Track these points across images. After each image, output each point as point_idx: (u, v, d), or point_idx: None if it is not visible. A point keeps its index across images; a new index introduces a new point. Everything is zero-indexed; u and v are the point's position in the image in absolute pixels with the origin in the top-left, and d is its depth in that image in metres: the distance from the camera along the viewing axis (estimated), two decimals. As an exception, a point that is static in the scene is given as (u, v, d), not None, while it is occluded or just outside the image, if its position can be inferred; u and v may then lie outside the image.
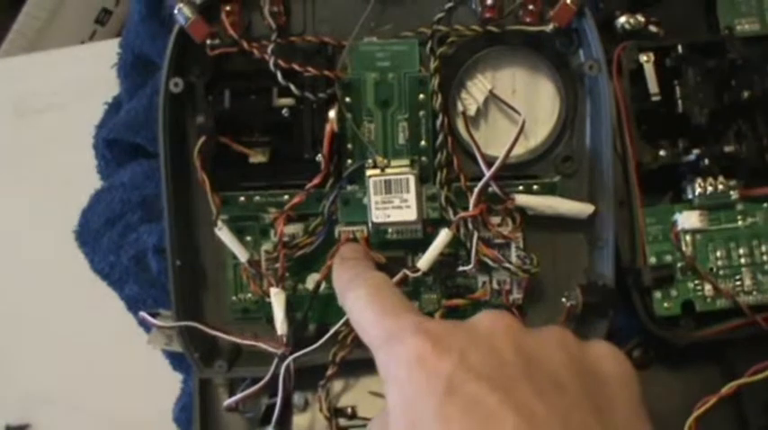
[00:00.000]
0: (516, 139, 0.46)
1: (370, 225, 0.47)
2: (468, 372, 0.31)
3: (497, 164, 0.46)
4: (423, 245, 0.47)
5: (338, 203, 0.48)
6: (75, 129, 0.62)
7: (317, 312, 0.50)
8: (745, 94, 0.50)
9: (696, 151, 0.51)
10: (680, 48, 0.50)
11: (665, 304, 0.51)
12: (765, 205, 0.52)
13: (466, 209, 0.47)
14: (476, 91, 0.50)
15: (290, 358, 0.47)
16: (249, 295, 0.51)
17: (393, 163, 0.48)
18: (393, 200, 0.46)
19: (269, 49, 0.47)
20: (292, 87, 0.47)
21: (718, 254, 0.51)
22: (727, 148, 0.51)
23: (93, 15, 0.99)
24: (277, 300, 0.48)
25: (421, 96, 0.48)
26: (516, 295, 0.50)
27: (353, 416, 0.50)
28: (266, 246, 0.50)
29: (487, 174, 0.46)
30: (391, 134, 0.48)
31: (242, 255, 0.48)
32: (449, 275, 0.50)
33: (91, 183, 0.61)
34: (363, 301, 0.38)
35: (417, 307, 0.48)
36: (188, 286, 0.50)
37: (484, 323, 0.33)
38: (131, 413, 0.64)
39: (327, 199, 0.48)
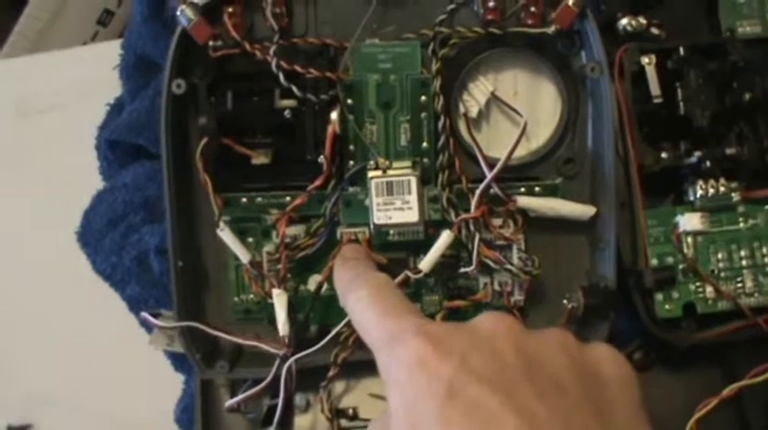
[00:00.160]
0: (518, 141, 0.46)
1: (371, 226, 0.47)
2: (469, 375, 0.31)
3: (499, 165, 0.46)
4: (424, 246, 0.47)
5: (340, 205, 0.48)
6: (77, 129, 0.62)
7: (319, 313, 0.50)
8: (747, 96, 0.50)
9: (698, 153, 0.51)
10: (682, 50, 0.50)
11: (667, 306, 0.51)
12: (767, 207, 0.52)
13: (467, 210, 0.47)
14: (477, 93, 0.50)
15: (292, 359, 0.47)
16: (251, 296, 0.51)
17: (395, 164, 0.48)
18: (395, 201, 0.46)
19: (271, 51, 0.47)
20: (294, 89, 0.47)
21: (720, 256, 0.51)
22: (729, 151, 0.51)
23: (96, 16, 0.99)
24: (279, 301, 0.48)
25: (423, 98, 0.48)
26: (518, 297, 0.50)
27: (355, 417, 0.50)
28: (268, 248, 0.50)
29: (489, 175, 0.46)
30: (393, 136, 0.48)
31: (244, 256, 0.49)
32: (450, 277, 0.50)
33: (93, 183, 0.61)
34: (365, 302, 0.38)
35: (419, 308, 0.49)
36: (190, 287, 0.50)
37: (485, 325, 0.33)
38: (133, 413, 0.64)
39: (329, 200, 0.48)
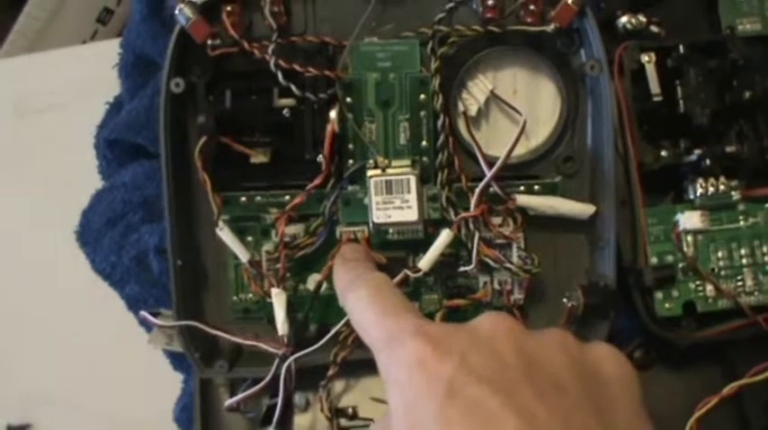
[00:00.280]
0: (517, 140, 0.46)
1: (371, 225, 0.47)
2: (468, 375, 0.31)
3: (498, 164, 0.46)
4: (424, 245, 0.47)
5: (339, 204, 0.48)
6: (76, 129, 0.62)
7: (318, 312, 0.50)
8: (747, 94, 0.50)
9: (697, 151, 0.50)
10: (681, 48, 0.50)
11: (667, 305, 0.51)
12: (767, 205, 0.52)
13: (467, 209, 0.47)
14: (477, 91, 0.49)
15: (291, 358, 0.47)
16: (250, 295, 0.51)
17: (394, 163, 0.48)
18: (394, 200, 0.46)
19: (270, 50, 0.46)
20: (293, 87, 0.47)
21: (720, 254, 0.51)
22: (729, 149, 0.51)
23: (95, 15, 0.99)
24: (278, 300, 0.48)
25: (422, 96, 0.48)
26: (517, 295, 0.50)
27: (354, 416, 0.50)
28: (267, 247, 0.50)
29: (489, 174, 0.46)
30: (392, 134, 0.48)
31: (243, 256, 0.48)
32: (450, 276, 0.50)
33: (92, 183, 0.61)
34: (364, 302, 0.38)
35: (418, 307, 0.48)
36: (189, 286, 0.50)
37: (485, 325, 0.33)
38: (132, 413, 0.64)
39: (328, 199, 0.48)
